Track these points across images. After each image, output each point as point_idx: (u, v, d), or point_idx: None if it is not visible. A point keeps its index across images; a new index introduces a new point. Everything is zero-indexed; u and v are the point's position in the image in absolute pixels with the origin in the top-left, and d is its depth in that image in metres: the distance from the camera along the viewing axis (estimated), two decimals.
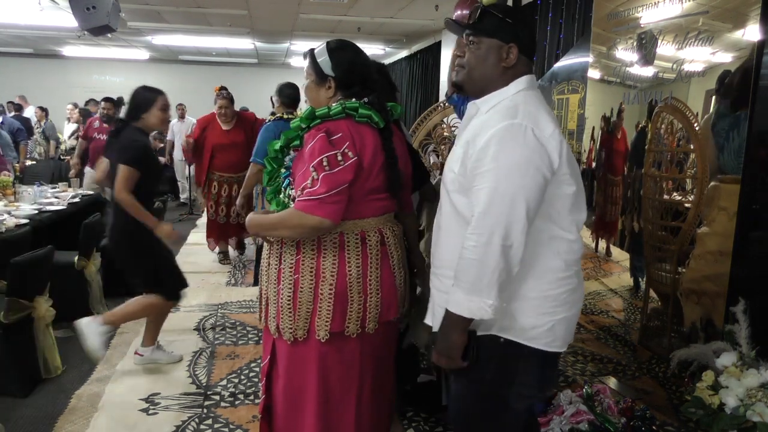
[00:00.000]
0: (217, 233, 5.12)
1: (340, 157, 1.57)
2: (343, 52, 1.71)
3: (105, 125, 5.63)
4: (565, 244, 1.41)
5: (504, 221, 1.28)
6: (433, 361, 1.46)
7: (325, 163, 1.56)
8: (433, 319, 1.54)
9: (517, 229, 1.29)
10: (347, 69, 1.70)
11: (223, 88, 5.03)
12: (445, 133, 2.90)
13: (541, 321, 1.40)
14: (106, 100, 5.92)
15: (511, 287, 1.37)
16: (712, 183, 2.47)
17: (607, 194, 3.42)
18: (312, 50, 1.74)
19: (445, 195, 1.48)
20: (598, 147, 3.48)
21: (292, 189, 1.70)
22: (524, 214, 1.29)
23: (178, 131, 8.08)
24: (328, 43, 1.73)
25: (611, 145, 3.34)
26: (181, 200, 8.45)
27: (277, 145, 1.76)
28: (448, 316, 1.37)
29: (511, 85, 1.43)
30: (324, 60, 1.70)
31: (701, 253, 2.50)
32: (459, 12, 5.68)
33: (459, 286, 1.33)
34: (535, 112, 1.36)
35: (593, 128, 3.52)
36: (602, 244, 3.53)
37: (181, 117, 8.24)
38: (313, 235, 1.64)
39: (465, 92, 1.56)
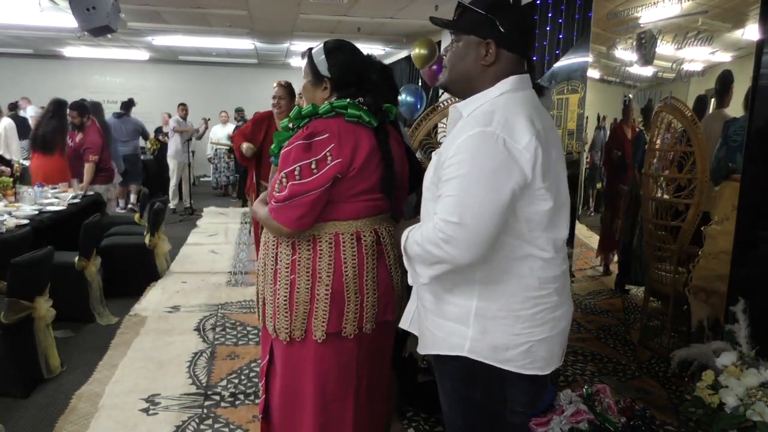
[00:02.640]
0: None
1: (314, 166, 1.57)
2: (340, 52, 1.71)
3: (74, 132, 5.24)
4: (540, 262, 1.31)
5: (465, 234, 1.22)
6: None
7: (296, 173, 1.57)
8: (415, 323, 1.55)
9: (472, 247, 1.23)
10: (343, 70, 1.69)
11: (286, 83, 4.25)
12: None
13: (514, 342, 1.31)
14: (73, 107, 5.22)
15: (479, 305, 1.33)
16: (725, 181, 2.45)
17: (615, 202, 3.32)
18: (310, 50, 1.74)
19: (423, 202, 1.45)
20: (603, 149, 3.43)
21: None
22: (489, 227, 1.22)
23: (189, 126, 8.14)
24: (325, 43, 1.73)
25: (622, 148, 3.24)
26: (171, 207, 7.71)
27: (275, 147, 1.76)
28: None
29: (495, 86, 1.32)
30: (321, 60, 1.70)
31: (713, 252, 2.48)
32: (435, 68, 5.72)
33: (408, 248, 1.37)
34: (512, 118, 1.25)
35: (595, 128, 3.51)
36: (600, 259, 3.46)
37: (183, 117, 8.15)
38: (282, 236, 1.68)
39: (451, 93, 1.50)
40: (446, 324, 1.38)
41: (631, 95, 3.08)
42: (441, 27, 1.44)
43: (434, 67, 5.74)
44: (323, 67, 1.69)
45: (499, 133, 1.23)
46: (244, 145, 3.89)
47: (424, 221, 1.42)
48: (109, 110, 7.85)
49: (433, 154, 1.44)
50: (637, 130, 3.07)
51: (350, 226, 1.68)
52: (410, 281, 1.43)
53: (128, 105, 7.95)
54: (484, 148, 1.23)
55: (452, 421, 1.50)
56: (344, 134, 1.60)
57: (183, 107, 8.24)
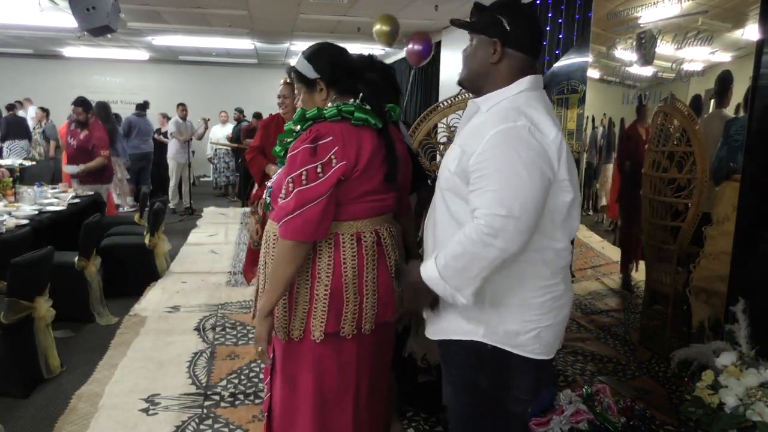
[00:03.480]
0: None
1: (320, 169, 1.57)
2: (319, 51, 1.73)
3: (77, 130, 5.22)
4: (552, 252, 1.38)
5: (510, 225, 1.24)
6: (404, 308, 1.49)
7: (303, 177, 1.57)
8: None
9: (521, 235, 1.26)
10: (328, 64, 1.70)
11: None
12: (441, 138, 2.90)
13: (525, 328, 1.37)
14: (78, 104, 5.17)
15: (494, 293, 1.36)
16: (726, 181, 2.44)
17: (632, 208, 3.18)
18: (292, 67, 1.76)
19: (439, 193, 1.46)
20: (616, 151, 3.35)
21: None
22: (532, 218, 1.26)
23: (189, 128, 8.13)
24: (303, 52, 1.75)
25: (636, 149, 3.11)
26: (171, 206, 7.72)
27: (278, 148, 1.77)
28: (421, 282, 1.36)
29: (513, 85, 1.38)
30: (305, 66, 1.72)
31: (714, 252, 2.48)
32: (411, 46, 5.61)
33: (443, 266, 1.31)
34: (537, 115, 1.32)
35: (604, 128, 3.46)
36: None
37: (183, 118, 8.12)
38: (303, 253, 1.62)
39: (467, 90, 1.54)
40: (460, 310, 1.41)
41: (647, 93, 2.98)
42: (459, 27, 1.48)
43: (416, 47, 5.62)
44: (310, 71, 1.71)
45: (530, 126, 1.29)
46: (272, 169, 3.43)
47: (436, 207, 1.47)
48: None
49: (453, 145, 1.46)
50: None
51: (350, 226, 1.68)
52: (456, 302, 1.35)
53: (144, 106, 8.24)
54: (518, 141, 1.28)
55: (455, 410, 1.53)
56: (348, 136, 1.61)
57: (182, 108, 8.24)
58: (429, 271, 1.35)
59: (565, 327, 1.49)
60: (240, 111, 9.74)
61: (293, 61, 1.79)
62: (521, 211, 1.25)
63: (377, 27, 5.43)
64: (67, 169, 5.11)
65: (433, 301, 1.42)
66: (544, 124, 1.31)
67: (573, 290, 1.52)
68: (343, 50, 1.76)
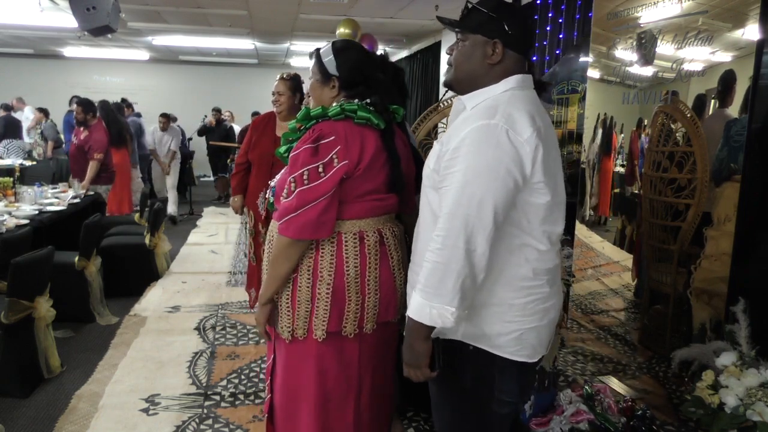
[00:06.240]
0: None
1: (321, 169, 1.57)
2: (348, 52, 1.73)
3: (80, 129, 5.17)
4: (535, 252, 1.34)
5: (470, 224, 1.23)
6: (405, 376, 1.41)
7: (305, 177, 1.57)
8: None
9: (482, 233, 1.24)
10: (351, 69, 1.70)
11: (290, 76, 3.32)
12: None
13: (506, 329, 1.35)
14: (80, 103, 5.13)
15: (476, 294, 1.33)
16: (727, 182, 2.43)
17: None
18: (318, 50, 1.76)
19: (423, 192, 1.46)
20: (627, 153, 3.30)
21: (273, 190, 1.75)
22: (491, 218, 1.24)
23: (166, 142, 7.41)
24: (333, 42, 1.75)
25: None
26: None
27: (283, 149, 1.77)
28: (409, 322, 1.32)
29: (501, 83, 1.36)
30: (329, 60, 1.72)
31: (716, 254, 2.47)
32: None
33: (421, 290, 1.28)
34: (515, 113, 1.28)
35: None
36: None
37: (163, 129, 7.38)
38: (300, 251, 1.64)
39: (455, 91, 1.50)
40: None
41: (670, 90, 2.80)
42: (448, 26, 1.45)
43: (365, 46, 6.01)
44: (332, 67, 1.71)
45: (502, 125, 1.26)
46: (236, 202, 3.53)
47: (422, 207, 1.46)
48: None
49: (435, 143, 1.45)
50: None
51: (353, 225, 1.68)
52: (447, 321, 1.29)
53: (128, 105, 7.86)
54: (487, 138, 1.26)
55: (441, 411, 1.52)
56: (350, 136, 1.62)
57: (164, 119, 7.42)
58: (414, 303, 1.31)
59: (553, 331, 1.46)
60: (218, 110, 9.13)
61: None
62: (478, 210, 1.23)
63: (340, 30, 5.89)
64: (72, 192, 5.00)
65: (430, 360, 1.36)
66: (521, 123, 1.27)
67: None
68: (371, 58, 1.77)
